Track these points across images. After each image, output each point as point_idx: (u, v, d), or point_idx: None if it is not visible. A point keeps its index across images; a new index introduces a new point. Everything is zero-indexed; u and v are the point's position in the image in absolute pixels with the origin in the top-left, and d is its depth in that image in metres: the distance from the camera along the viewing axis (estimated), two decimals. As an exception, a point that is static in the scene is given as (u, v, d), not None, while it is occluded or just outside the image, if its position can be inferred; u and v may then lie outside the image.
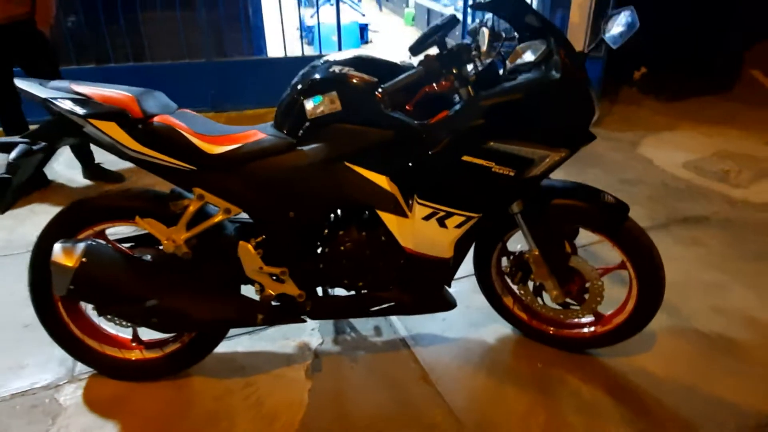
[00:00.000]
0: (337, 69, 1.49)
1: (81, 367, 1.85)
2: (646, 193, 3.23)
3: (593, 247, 2.41)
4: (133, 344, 1.81)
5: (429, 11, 7.46)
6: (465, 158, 1.47)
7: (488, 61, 1.55)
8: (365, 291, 1.71)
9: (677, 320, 2.11)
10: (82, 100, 1.43)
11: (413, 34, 7.78)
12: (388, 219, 1.58)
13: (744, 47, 5.35)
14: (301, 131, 1.53)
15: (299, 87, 1.53)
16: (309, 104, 1.51)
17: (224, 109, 4.13)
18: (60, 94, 1.44)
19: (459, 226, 1.56)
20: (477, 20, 1.65)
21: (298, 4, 4.96)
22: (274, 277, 1.65)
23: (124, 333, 1.83)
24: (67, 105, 1.42)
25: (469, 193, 1.52)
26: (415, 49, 1.44)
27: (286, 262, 1.63)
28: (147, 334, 1.81)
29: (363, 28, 6.96)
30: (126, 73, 3.79)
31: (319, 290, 1.78)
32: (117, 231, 1.74)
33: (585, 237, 1.80)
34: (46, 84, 1.50)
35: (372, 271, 1.66)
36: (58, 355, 1.84)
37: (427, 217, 1.54)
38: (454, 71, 1.44)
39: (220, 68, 4.04)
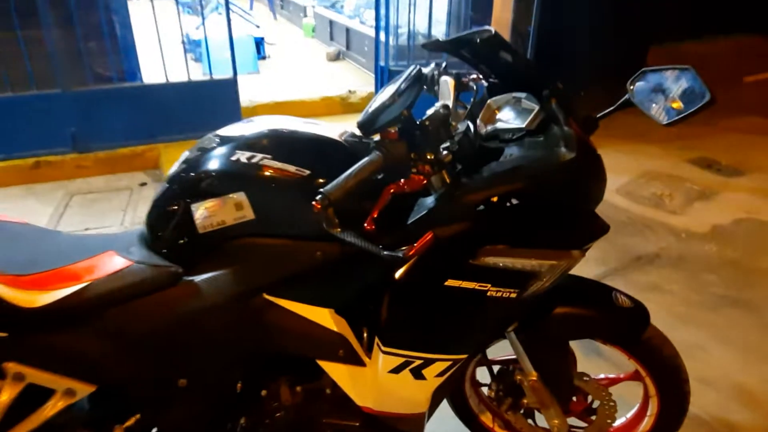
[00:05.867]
0: (243, 157, 0.94)
1: None
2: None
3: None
4: None
5: (331, 22, 6.90)
6: (449, 282, 0.98)
7: (461, 129, 1.08)
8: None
9: (669, 401, 1.81)
10: None
11: (316, 48, 7.13)
12: (336, 371, 1.05)
13: (644, 54, 5.43)
14: (189, 252, 0.96)
15: (185, 183, 0.96)
16: (200, 211, 0.94)
17: (89, 149, 3.31)
18: None
19: (441, 374, 1.07)
20: (432, 65, 1.18)
21: (178, 10, 3.99)
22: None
23: None
24: None
25: (455, 329, 1.04)
26: (366, 126, 0.92)
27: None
28: None
29: (259, 43, 6.26)
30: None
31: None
32: None
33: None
34: None
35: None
36: None
37: (396, 370, 1.04)
38: (429, 156, 0.94)
39: (81, 99, 3.22)
